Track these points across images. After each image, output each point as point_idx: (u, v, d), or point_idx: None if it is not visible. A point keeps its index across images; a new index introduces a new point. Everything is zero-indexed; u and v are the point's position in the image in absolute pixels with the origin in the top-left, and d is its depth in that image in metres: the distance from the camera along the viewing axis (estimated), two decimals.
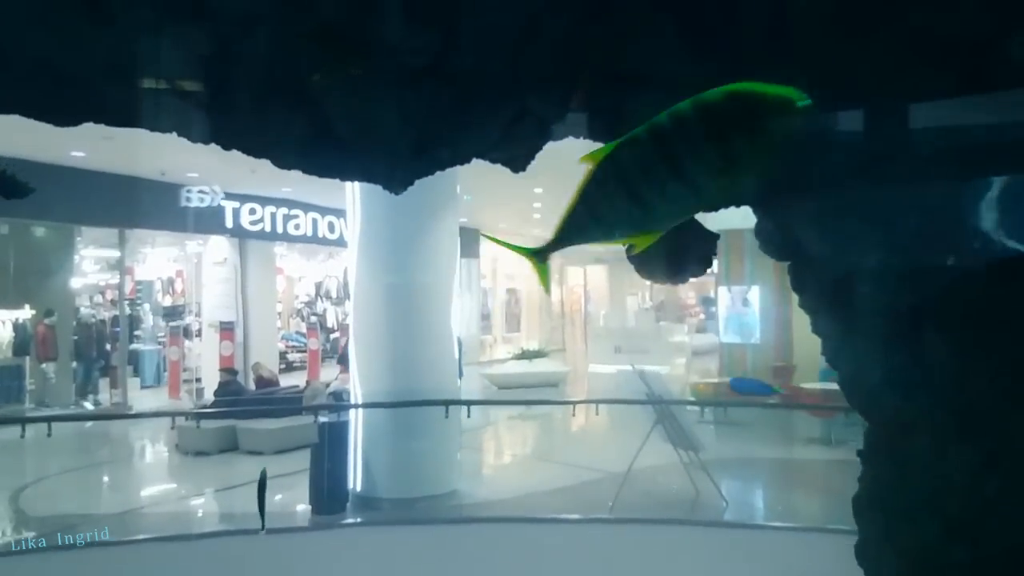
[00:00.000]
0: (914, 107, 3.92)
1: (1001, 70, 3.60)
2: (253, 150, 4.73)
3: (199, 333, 25.14)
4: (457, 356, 15.87)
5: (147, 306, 32.59)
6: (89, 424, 21.45)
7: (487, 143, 4.75)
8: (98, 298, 31.92)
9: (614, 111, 4.65)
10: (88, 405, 22.87)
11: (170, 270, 32.82)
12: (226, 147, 4.67)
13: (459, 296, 16.61)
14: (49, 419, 13.07)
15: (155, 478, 18.48)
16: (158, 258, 32.75)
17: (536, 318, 34.99)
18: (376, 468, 14.84)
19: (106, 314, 27.46)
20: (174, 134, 4.64)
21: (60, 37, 4.10)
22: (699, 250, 4.65)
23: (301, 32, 4.20)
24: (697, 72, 4.30)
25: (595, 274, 35.24)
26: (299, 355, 30.78)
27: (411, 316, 14.96)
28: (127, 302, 28.15)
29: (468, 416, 14.88)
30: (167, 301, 33.36)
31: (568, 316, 36.62)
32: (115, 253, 26.38)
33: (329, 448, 14.39)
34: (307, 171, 4.76)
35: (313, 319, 35.23)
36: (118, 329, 25.10)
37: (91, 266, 31.13)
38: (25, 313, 21.87)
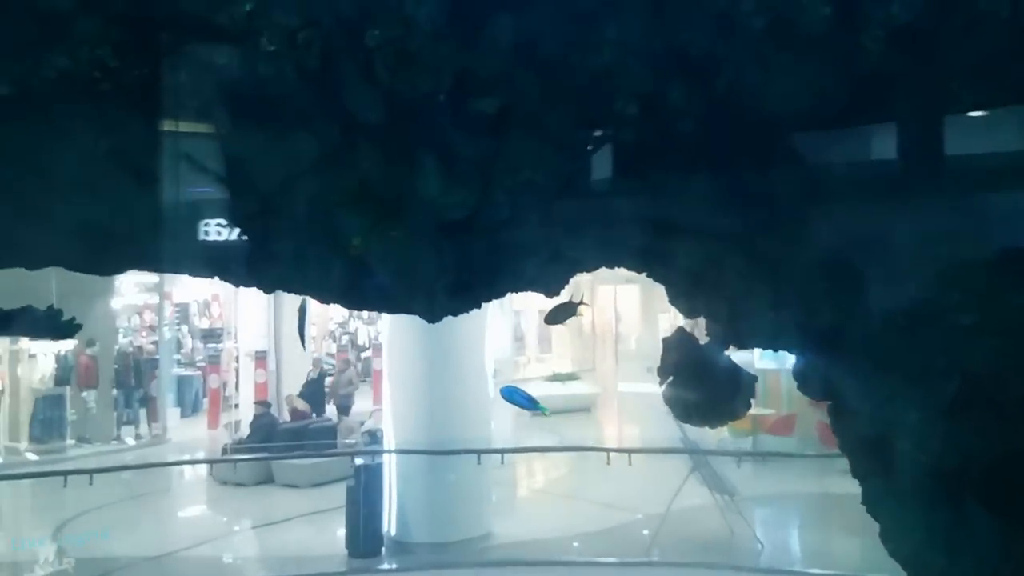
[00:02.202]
0: None
1: None
2: (294, 290, 4.84)
3: (237, 359, 25.49)
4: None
5: (185, 328, 33.09)
6: (131, 456, 21.80)
7: (522, 282, 4.81)
8: (135, 320, 32.45)
9: (649, 250, 4.69)
10: (129, 440, 23.26)
11: (206, 292, 33.27)
12: (267, 291, 4.77)
13: (493, 318, 16.62)
14: (91, 472, 13.35)
15: (193, 514, 18.75)
16: (194, 279, 33.07)
17: (568, 338, 34.98)
18: (411, 511, 14.93)
19: (143, 340, 27.89)
20: None
21: (107, 200, 4.22)
22: (741, 392, 4.67)
23: (341, 194, 4.28)
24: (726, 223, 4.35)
25: (626, 294, 35.26)
26: (331, 379, 30.96)
27: (445, 359, 15.04)
28: (166, 327, 28.60)
29: (502, 463, 14.92)
30: (204, 323, 33.82)
31: (599, 336, 36.70)
32: (154, 277, 26.80)
33: (365, 492, 14.52)
34: (347, 307, 4.85)
35: (344, 339, 35.47)
36: (157, 357, 25.52)
37: (129, 288, 31.68)
38: (67, 344, 22.29)
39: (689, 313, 4.92)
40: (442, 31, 4.07)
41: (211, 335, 31.76)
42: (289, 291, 4.68)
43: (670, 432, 14.88)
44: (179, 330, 32.38)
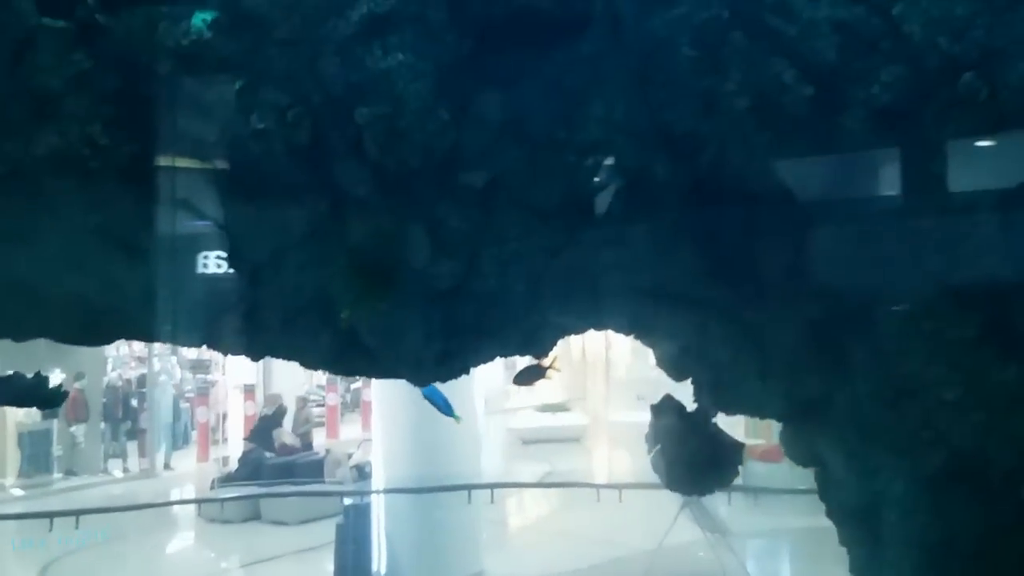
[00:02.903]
0: None
1: None
2: (282, 357, 4.85)
3: (226, 394, 25.37)
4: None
5: (175, 359, 32.89)
6: (119, 490, 21.59)
7: (509, 347, 4.83)
8: (124, 350, 32.25)
9: (636, 318, 4.73)
10: (117, 473, 23.04)
11: None
12: (255, 359, 4.78)
13: None
14: (77, 513, 13.22)
15: (180, 552, 18.55)
16: None
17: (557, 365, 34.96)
18: (401, 549, 14.83)
19: (132, 373, 27.74)
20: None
21: (96, 275, 4.23)
22: (728, 459, 4.69)
23: (330, 266, 4.31)
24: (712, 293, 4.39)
25: None
26: (318, 409, 30.85)
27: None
28: (156, 357, 28.38)
29: (492, 501, 14.84)
30: (193, 354, 33.60)
31: (590, 364, 36.68)
32: None
33: (354, 530, 14.41)
34: (335, 373, 4.87)
35: None
36: (144, 389, 25.37)
37: None
38: (56, 378, 22.03)
39: (677, 377, 4.95)
40: (432, 108, 4.12)
41: (200, 366, 31.55)
42: (277, 358, 4.69)
43: None
44: (168, 360, 32.19)
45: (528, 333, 4.68)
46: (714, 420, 4.81)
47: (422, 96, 4.10)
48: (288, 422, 22.88)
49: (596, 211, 4.31)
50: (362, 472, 18.76)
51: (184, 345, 4.50)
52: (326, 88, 4.08)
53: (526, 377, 5.74)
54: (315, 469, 21.14)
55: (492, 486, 15.60)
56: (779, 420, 4.49)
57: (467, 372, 4.79)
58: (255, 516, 19.87)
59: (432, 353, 4.60)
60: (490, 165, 4.28)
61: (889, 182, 3.85)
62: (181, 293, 4.40)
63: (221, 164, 4.16)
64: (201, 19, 3.96)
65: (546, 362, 5.61)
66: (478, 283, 4.46)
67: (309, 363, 4.65)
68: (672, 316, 4.53)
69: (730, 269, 4.28)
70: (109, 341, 4.41)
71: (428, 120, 4.12)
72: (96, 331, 4.35)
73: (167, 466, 24.39)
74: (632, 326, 4.74)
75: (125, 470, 24.02)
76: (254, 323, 4.52)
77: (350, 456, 20.44)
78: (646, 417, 5.20)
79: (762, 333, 4.32)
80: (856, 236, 3.95)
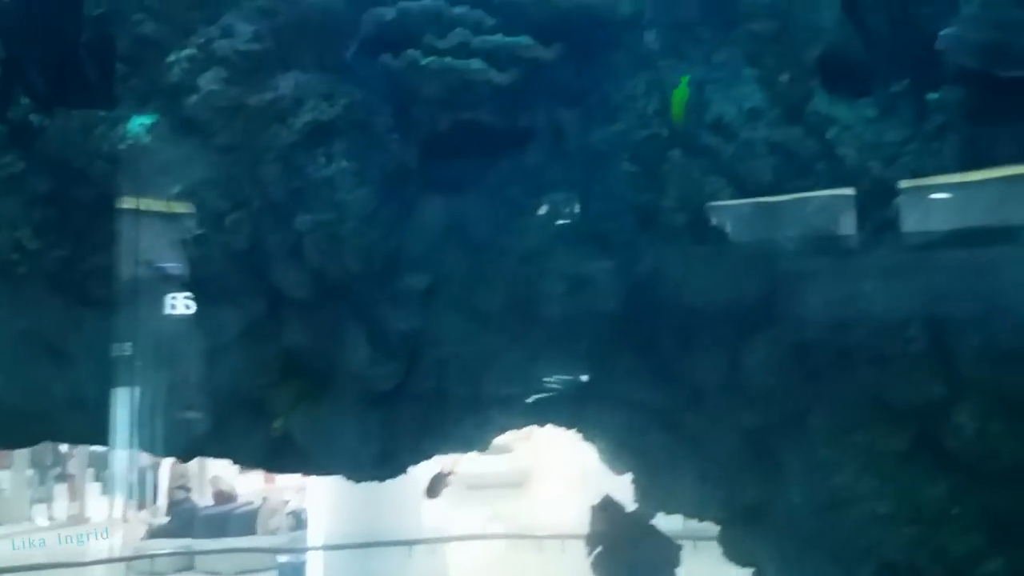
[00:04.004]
0: None
1: None
2: (213, 456, 4.74)
3: None
4: None
5: None
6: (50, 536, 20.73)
7: (450, 445, 4.80)
8: None
9: (578, 416, 4.74)
10: (41, 521, 22.16)
11: None
12: (185, 460, 4.67)
13: None
14: None
15: None
16: None
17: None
18: None
19: None
20: None
21: (21, 380, 4.09)
22: (667, 561, 4.71)
23: (265, 368, 4.24)
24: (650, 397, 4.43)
25: None
26: None
27: None
28: None
29: (433, 553, 14.62)
30: None
31: None
32: None
33: None
34: (268, 471, 4.77)
35: None
36: None
37: None
38: None
39: (618, 472, 4.96)
40: (375, 214, 4.11)
41: None
42: (208, 457, 4.57)
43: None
44: None
45: (469, 432, 4.65)
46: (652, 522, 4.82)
47: (365, 202, 4.09)
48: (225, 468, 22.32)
49: (537, 314, 4.31)
50: (299, 520, 18.34)
51: (111, 447, 4.36)
52: (267, 193, 4.04)
53: (435, 488, 5.99)
54: (250, 519, 20.60)
55: (430, 541, 15.39)
56: (717, 524, 4.51)
57: (404, 472, 4.73)
58: (188, 567, 19.25)
59: (369, 454, 4.54)
60: (432, 269, 4.28)
61: (822, 297, 3.92)
62: (110, 396, 4.28)
63: (156, 267, 4.07)
64: (139, 124, 3.90)
65: (447, 468, 5.78)
66: (418, 385, 4.43)
67: (241, 462, 4.54)
68: (613, 417, 4.55)
69: (669, 375, 4.32)
70: (33, 444, 4.25)
71: (371, 226, 4.12)
72: (19, 435, 4.20)
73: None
74: (573, 424, 4.74)
75: (51, 517, 23.10)
76: (184, 425, 4.40)
77: (287, 503, 19.97)
78: (592, 457, 5.11)
79: (700, 439, 4.35)
80: (790, 348, 4.01)
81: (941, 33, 3.51)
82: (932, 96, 3.62)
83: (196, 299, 4.16)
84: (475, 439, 4.78)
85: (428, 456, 4.78)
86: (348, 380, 4.36)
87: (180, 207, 3.96)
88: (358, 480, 4.79)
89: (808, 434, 4.12)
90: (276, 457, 4.64)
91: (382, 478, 4.69)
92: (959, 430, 3.73)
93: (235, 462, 4.63)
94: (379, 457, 4.57)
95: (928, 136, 3.68)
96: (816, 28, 3.86)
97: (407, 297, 4.30)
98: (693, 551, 5.06)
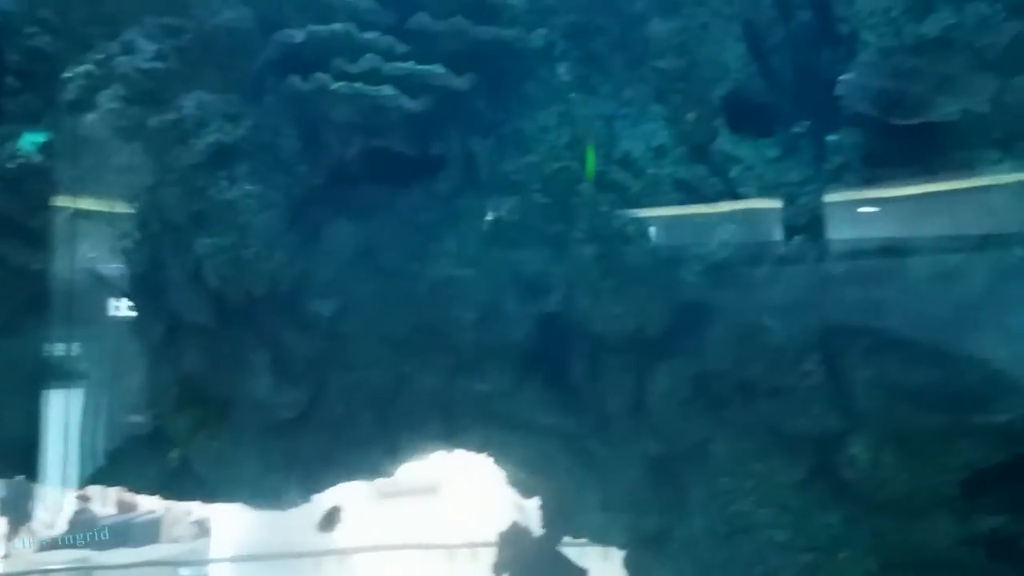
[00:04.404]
0: None
1: None
2: (109, 485, 4.56)
3: None
4: None
5: None
6: None
7: (359, 473, 4.73)
8: None
9: (487, 441, 4.72)
10: None
11: None
12: (80, 488, 4.47)
13: None
14: None
15: None
16: None
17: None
18: None
19: None
20: None
21: None
22: None
23: (164, 394, 4.10)
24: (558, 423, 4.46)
25: None
26: None
27: None
28: None
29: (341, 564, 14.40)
30: None
31: None
32: None
33: None
34: (166, 499, 4.61)
35: None
36: None
37: None
38: None
39: (526, 496, 4.97)
40: (280, 238, 4.02)
41: None
42: (104, 486, 4.39)
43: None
44: None
45: (377, 459, 4.59)
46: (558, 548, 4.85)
47: (270, 226, 3.99)
48: None
49: (448, 341, 4.28)
50: (203, 528, 17.79)
51: (9, 476, 4.14)
52: (165, 216, 3.90)
53: (328, 523, 5.98)
54: (153, 528, 19.91)
55: (339, 552, 15.14)
56: (621, 550, 4.57)
57: (308, 500, 4.64)
58: None
59: (272, 483, 4.44)
60: (340, 294, 4.20)
61: (723, 329, 4.01)
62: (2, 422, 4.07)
63: (49, 291, 3.89)
64: (31, 141, 3.72)
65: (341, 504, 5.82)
66: (324, 412, 4.35)
67: (137, 491, 4.38)
68: (522, 442, 4.55)
69: (577, 402, 4.35)
70: None
71: (275, 250, 4.02)
72: None
73: None
74: (483, 448, 4.73)
75: None
76: (80, 453, 4.22)
77: (190, 512, 19.36)
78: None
79: (606, 465, 4.40)
80: (693, 378, 4.09)
81: (840, 78, 3.64)
82: (831, 138, 3.74)
83: (93, 324, 3.99)
84: (383, 466, 4.72)
85: (334, 484, 4.70)
86: (250, 408, 4.25)
87: (75, 229, 3.79)
88: (260, 509, 4.67)
89: (710, 463, 4.21)
90: (174, 486, 4.48)
91: (285, 508, 4.59)
92: (853, 460, 3.87)
93: (131, 491, 4.44)
94: (282, 486, 4.47)
95: (827, 177, 3.80)
96: (722, 67, 3.95)
97: (313, 323, 4.21)
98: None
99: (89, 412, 4.15)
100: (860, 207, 3.71)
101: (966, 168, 3.53)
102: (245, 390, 4.23)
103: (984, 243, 3.46)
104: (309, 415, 4.34)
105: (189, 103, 3.95)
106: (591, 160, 3.79)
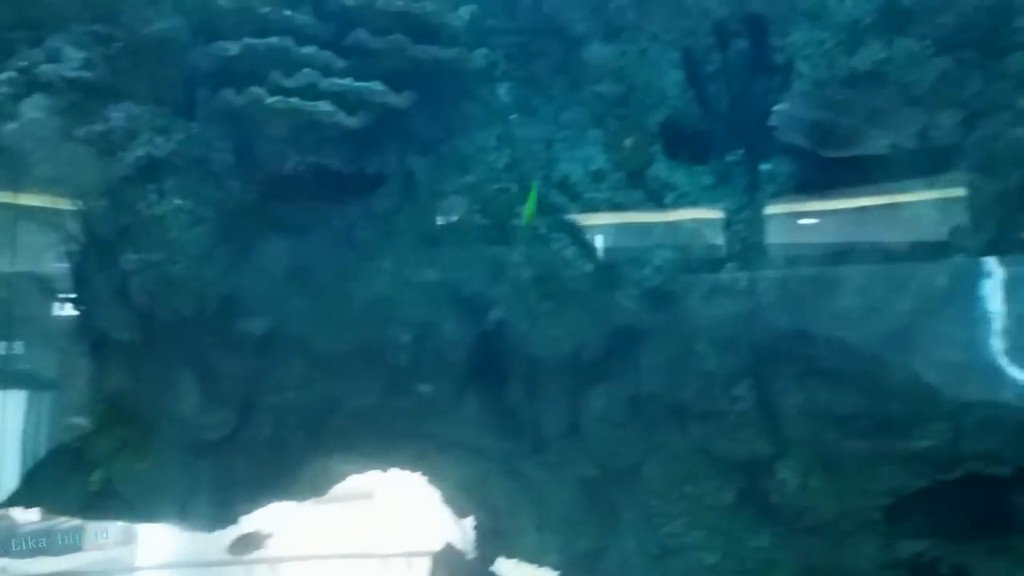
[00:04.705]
0: None
1: None
2: (26, 506, 4.39)
3: None
4: None
5: None
6: None
7: (288, 494, 4.63)
8: None
9: (421, 459, 4.68)
10: None
11: None
12: (5, 507, 4.31)
13: None
14: None
15: None
16: None
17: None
18: None
19: None
20: None
21: None
22: None
23: (87, 413, 3.96)
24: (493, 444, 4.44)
25: None
26: None
27: None
28: None
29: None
30: None
31: None
32: None
33: None
34: (92, 520, 4.46)
35: None
36: None
37: None
38: None
39: (460, 516, 4.93)
40: (210, 254, 3.92)
41: None
42: (21, 507, 4.23)
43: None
44: None
45: (307, 480, 4.50)
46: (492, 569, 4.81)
47: (199, 242, 3.89)
48: None
49: (383, 361, 4.23)
50: (129, 534, 17.27)
51: None
52: (92, 230, 3.78)
53: (240, 547, 5.86)
54: (76, 535, 19.21)
55: (270, 560, 14.84)
56: (555, 570, 4.55)
57: (235, 522, 4.53)
58: None
59: (198, 505, 4.32)
60: (272, 313, 4.12)
61: (656, 353, 4.03)
62: None
63: None
64: None
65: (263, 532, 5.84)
66: (253, 432, 4.26)
67: (57, 512, 4.22)
68: (457, 462, 4.52)
69: (513, 424, 4.34)
70: None
71: (205, 267, 3.92)
72: None
73: None
74: (417, 467, 4.68)
75: None
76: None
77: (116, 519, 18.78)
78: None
79: (541, 487, 4.39)
80: (627, 401, 4.11)
81: (774, 109, 3.70)
82: (765, 167, 3.80)
83: (12, 339, 3.84)
84: (314, 487, 4.64)
85: (263, 505, 4.59)
86: (176, 428, 4.14)
87: None
88: (187, 530, 4.55)
89: (642, 485, 4.22)
90: (97, 507, 4.32)
91: (211, 529, 4.47)
92: (782, 485, 3.92)
93: (51, 512, 4.29)
94: (209, 508, 4.35)
95: (759, 205, 3.86)
96: (659, 94, 3.98)
97: (243, 341, 4.13)
98: None
99: (8, 429, 3.99)
100: (792, 235, 3.77)
101: (896, 200, 3.62)
102: (172, 410, 4.11)
103: (910, 274, 3.55)
104: (237, 435, 4.25)
105: (118, 114, 3.84)
106: (531, 205, 3.78)
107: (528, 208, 3.75)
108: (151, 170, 3.81)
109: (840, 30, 3.71)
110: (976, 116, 3.47)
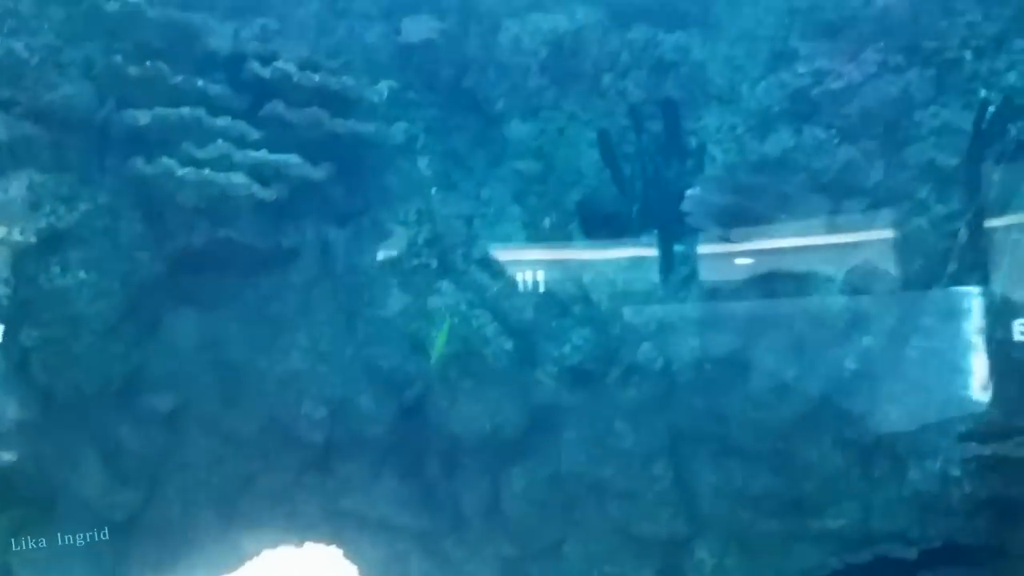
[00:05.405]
0: None
1: None
2: None
3: None
4: None
5: None
6: None
7: (197, 572, 4.44)
8: None
9: (336, 538, 4.54)
10: None
11: None
12: None
13: None
14: None
15: None
16: None
17: None
18: None
19: None
20: None
21: None
22: None
23: None
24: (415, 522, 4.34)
25: None
26: None
27: None
28: None
29: None
30: None
31: None
32: None
33: None
34: None
35: None
36: None
37: None
38: None
39: None
40: (115, 329, 3.78)
41: None
42: None
43: None
44: None
45: (216, 560, 4.32)
46: None
47: (104, 316, 3.75)
48: None
49: (297, 439, 4.11)
50: None
51: None
52: None
53: None
54: None
55: None
56: None
57: None
58: None
59: None
60: (180, 388, 3.98)
61: (576, 432, 4.01)
62: None
63: None
64: None
65: None
66: (159, 512, 4.08)
67: None
68: (374, 540, 4.39)
69: (433, 501, 4.26)
70: None
71: (110, 342, 3.78)
72: None
73: None
74: (331, 544, 4.54)
75: None
76: None
77: None
78: None
79: (461, 566, 4.30)
80: (547, 480, 4.06)
81: (687, 193, 3.75)
82: (678, 249, 3.84)
83: None
84: (223, 567, 4.45)
85: None
86: (78, 508, 3.94)
87: None
88: None
89: (563, 564, 4.17)
90: None
91: None
92: (700, 565, 3.92)
93: None
94: None
95: (674, 287, 3.89)
96: (577, 173, 4.01)
97: (150, 418, 3.98)
98: None
99: None
100: (706, 316, 3.80)
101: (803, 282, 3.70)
102: (74, 489, 3.93)
103: (818, 356, 3.62)
104: (144, 515, 4.07)
105: (19, 183, 3.69)
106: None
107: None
108: (54, 241, 3.67)
109: (751, 116, 3.80)
110: (879, 205, 3.58)
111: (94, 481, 3.95)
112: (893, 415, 3.56)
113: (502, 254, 3.95)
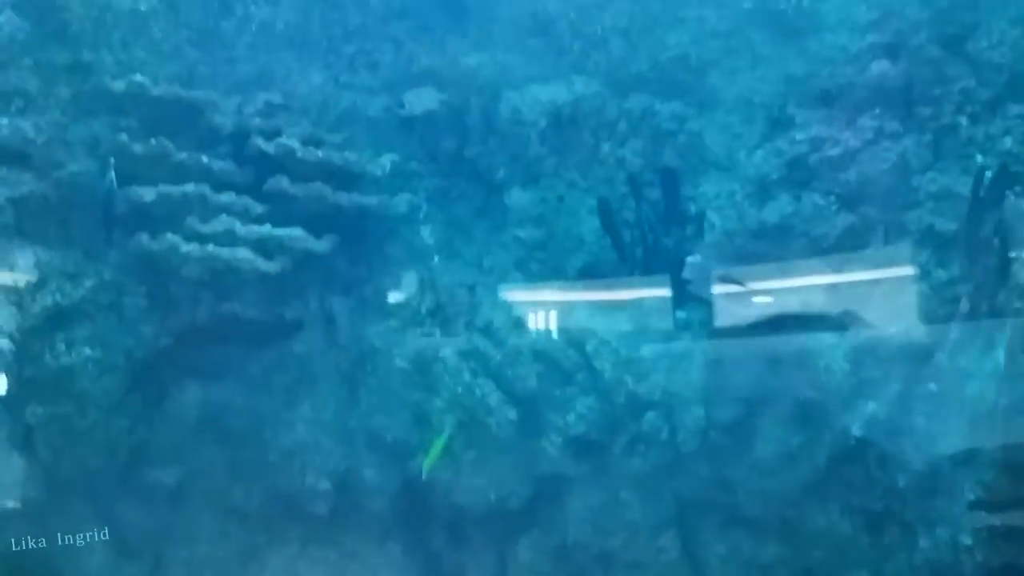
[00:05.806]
0: None
1: None
2: None
3: None
4: None
5: None
6: None
7: None
8: None
9: None
10: None
11: None
12: None
13: None
14: None
15: None
16: None
17: None
18: None
19: None
20: None
21: None
22: None
23: None
24: None
25: None
26: None
27: None
28: None
29: None
30: None
31: None
32: None
33: None
34: None
35: None
36: None
37: None
38: None
39: None
40: (120, 404, 3.79)
41: None
42: None
43: None
44: None
45: None
46: None
47: (109, 392, 3.76)
48: None
49: (301, 512, 4.08)
50: None
51: None
52: None
53: None
54: None
55: None
56: None
57: None
58: None
59: None
60: (184, 462, 3.97)
61: (582, 502, 3.97)
62: None
63: None
64: None
65: None
66: None
67: None
68: None
69: (438, 573, 4.20)
70: None
71: (115, 417, 3.79)
72: None
73: None
74: None
75: None
76: None
77: None
78: None
79: None
80: (554, 550, 4.01)
81: (687, 260, 3.77)
82: (680, 315, 3.84)
83: None
84: None
85: None
86: None
87: None
88: None
89: None
90: None
91: None
92: None
93: None
94: None
95: (677, 356, 3.87)
96: (578, 240, 4.04)
97: (154, 492, 3.96)
98: None
99: None
100: (710, 383, 3.78)
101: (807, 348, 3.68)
102: (79, 566, 3.89)
103: (824, 423, 3.59)
104: None
105: (25, 261, 3.73)
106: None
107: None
108: (59, 319, 3.69)
109: (749, 183, 3.83)
110: (879, 270, 3.59)
111: (99, 557, 3.91)
112: (901, 482, 3.52)
113: (505, 321, 3.95)
